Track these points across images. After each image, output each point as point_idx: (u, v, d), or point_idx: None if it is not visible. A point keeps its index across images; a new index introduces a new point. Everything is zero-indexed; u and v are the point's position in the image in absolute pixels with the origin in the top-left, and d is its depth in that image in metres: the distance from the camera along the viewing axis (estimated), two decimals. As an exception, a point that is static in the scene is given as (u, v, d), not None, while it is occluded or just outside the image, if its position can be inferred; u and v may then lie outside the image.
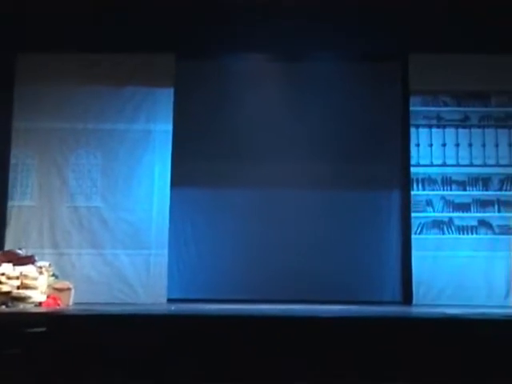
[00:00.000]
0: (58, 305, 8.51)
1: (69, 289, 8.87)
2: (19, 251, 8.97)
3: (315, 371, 5.89)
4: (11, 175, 10.01)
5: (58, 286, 8.85)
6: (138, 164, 10.16)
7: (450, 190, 10.19)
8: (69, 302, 8.79)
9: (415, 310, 9.42)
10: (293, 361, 5.94)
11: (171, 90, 10.21)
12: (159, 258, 9.93)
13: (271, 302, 9.07)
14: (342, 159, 10.43)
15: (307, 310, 8.11)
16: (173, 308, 8.81)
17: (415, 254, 10.04)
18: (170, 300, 9.79)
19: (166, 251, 9.97)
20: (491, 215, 10.06)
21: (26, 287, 8.40)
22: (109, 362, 5.94)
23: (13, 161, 10.05)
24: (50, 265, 8.96)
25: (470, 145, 10.22)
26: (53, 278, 8.93)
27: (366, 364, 5.94)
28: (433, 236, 10.09)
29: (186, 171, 10.28)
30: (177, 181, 10.17)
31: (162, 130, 10.18)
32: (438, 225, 10.13)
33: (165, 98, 10.21)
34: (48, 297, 8.56)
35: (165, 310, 8.77)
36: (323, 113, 10.48)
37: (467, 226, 10.08)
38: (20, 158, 10.09)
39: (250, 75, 10.57)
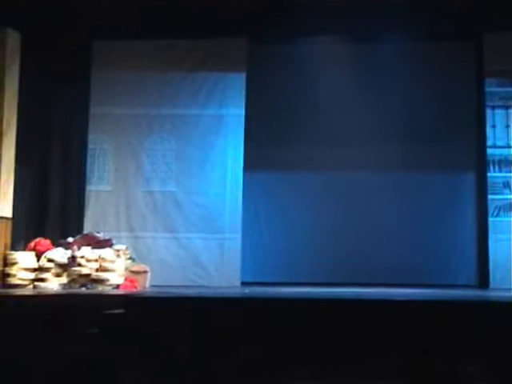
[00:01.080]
0: (135, 287, 8.70)
1: (145, 271, 9.05)
2: (97, 234, 9.19)
3: (389, 355, 5.87)
4: (89, 160, 10.25)
5: (135, 268, 9.04)
6: (211, 148, 10.25)
7: (528, 171, 9.93)
8: (145, 285, 8.97)
9: (492, 293, 9.26)
10: (367, 344, 5.93)
11: (243, 75, 10.24)
12: (233, 241, 10.02)
13: (344, 285, 9.08)
14: (416, 141, 10.30)
15: (382, 293, 8.08)
16: (247, 291, 8.90)
17: (492, 237, 9.85)
18: (243, 283, 9.89)
19: (239, 235, 10.05)
20: None
21: (104, 270, 8.63)
22: (184, 343, 6.04)
23: (90, 146, 10.27)
24: (126, 248, 9.16)
25: (547, 124, 9.95)
26: (130, 260, 9.13)
27: (442, 348, 5.88)
28: (510, 219, 9.87)
29: (258, 155, 10.31)
30: (249, 165, 10.22)
31: (235, 114, 10.24)
32: (516, 207, 9.90)
33: (237, 83, 10.25)
34: (125, 279, 8.76)
35: (239, 292, 8.87)
36: (396, 94, 10.35)
37: (544, 208, 9.82)
38: (97, 143, 10.31)
39: (321, 58, 10.49)
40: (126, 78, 10.22)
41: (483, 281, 10.00)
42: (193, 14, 9.82)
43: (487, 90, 10.09)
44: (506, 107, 10.05)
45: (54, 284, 8.52)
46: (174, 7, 9.76)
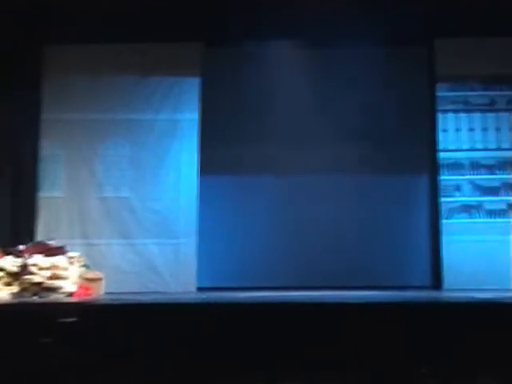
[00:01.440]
0: (89, 295, 8.60)
1: (99, 279, 8.95)
2: (50, 242, 9.05)
3: (344, 357, 5.89)
4: (41, 167, 10.12)
5: (89, 276, 8.94)
6: (166, 153, 10.22)
7: (479, 174, 10.12)
8: (99, 292, 8.87)
9: (445, 294, 9.39)
10: (323, 347, 5.94)
11: (197, 79, 10.26)
12: (188, 246, 10.00)
13: (299, 289, 9.09)
14: (371, 144, 10.39)
15: (337, 296, 8.11)
16: (203, 296, 8.86)
17: (445, 239, 10.01)
18: (199, 288, 9.85)
19: (194, 239, 10.03)
20: (521, 198, 9.99)
21: (57, 278, 8.51)
22: (139, 351, 5.99)
23: (42, 152, 10.14)
24: (80, 255, 9.05)
25: (498, 129, 10.14)
26: (83, 268, 9.02)
27: (397, 349, 5.92)
28: (462, 220, 10.05)
29: (214, 159, 10.30)
30: (205, 169, 10.21)
31: (189, 118, 10.23)
32: (467, 209, 10.08)
33: (191, 87, 10.26)
34: (79, 287, 8.65)
35: (195, 298, 8.82)
36: (352, 98, 10.41)
37: (496, 210, 10.01)
38: (49, 149, 10.18)
39: (276, 62, 10.52)
40: (79, 83, 10.12)
41: (437, 282, 10.15)
42: (147, 18, 9.77)
43: (439, 94, 10.27)
44: (457, 111, 10.22)
45: (4, 293, 8.35)
46: (128, 11, 9.70)
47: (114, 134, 10.23)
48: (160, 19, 9.77)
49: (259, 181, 10.57)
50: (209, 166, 10.24)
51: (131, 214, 10.06)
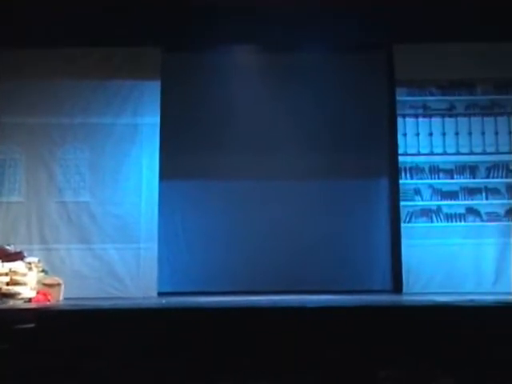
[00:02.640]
0: (48, 300, 8.50)
1: (59, 284, 8.85)
2: (8, 247, 8.92)
3: (305, 362, 5.90)
4: (-2, 171, 9.98)
5: (48, 281, 8.83)
6: (126, 158, 10.14)
7: (438, 178, 10.23)
8: (59, 298, 8.77)
9: (405, 298, 9.47)
10: (282, 352, 5.95)
11: (158, 83, 10.20)
12: (149, 251, 9.93)
13: (261, 294, 9.09)
14: (330, 149, 10.45)
15: (296, 301, 8.11)
16: (163, 301, 8.81)
17: (404, 243, 10.09)
18: (160, 293, 9.79)
19: (155, 244, 9.97)
20: (479, 203, 10.12)
21: (16, 283, 8.37)
22: (99, 358, 5.92)
23: (0, 156, 9.99)
24: (39, 260, 8.93)
25: (457, 133, 10.26)
26: (42, 273, 8.91)
27: (356, 354, 5.95)
28: (421, 224, 10.15)
29: (174, 164, 10.27)
30: (165, 174, 10.17)
31: (149, 123, 10.17)
32: (427, 213, 10.18)
33: (151, 91, 10.20)
34: (38, 293, 8.54)
35: (155, 303, 8.77)
36: (310, 103, 10.48)
37: (455, 214, 10.13)
38: (7, 153, 10.05)
39: (236, 67, 10.54)
40: (37, 87, 9.99)
41: (397, 286, 10.23)
42: (107, 23, 9.72)
43: (398, 98, 10.36)
44: (416, 116, 10.33)
45: (-39, 300, 8.21)
46: (88, 14, 9.64)
47: (73, 138, 10.12)
48: (119, 23, 9.72)
49: (221, 186, 10.55)
50: (170, 170, 10.20)
51: (91, 219, 9.96)
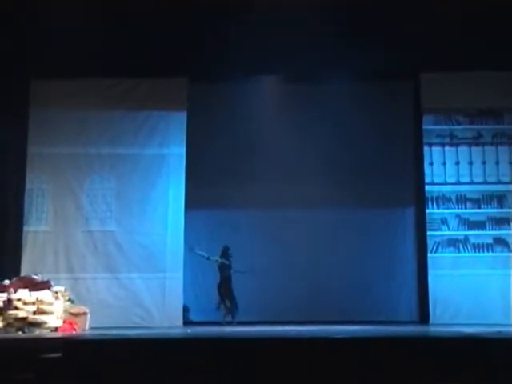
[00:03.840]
0: (74, 329, 8.55)
1: (85, 313, 8.90)
2: (35, 276, 9.00)
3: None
4: (27, 200, 10.08)
5: (74, 310, 8.88)
6: (152, 188, 10.20)
7: (465, 207, 10.15)
8: (85, 327, 8.82)
9: (432, 329, 9.36)
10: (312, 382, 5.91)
11: (184, 114, 10.28)
12: (174, 281, 9.94)
13: (287, 324, 9.06)
14: (356, 178, 10.44)
15: (324, 331, 8.07)
16: (189, 331, 8.80)
17: (431, 273, 10.01)
18: (185, 323, 9.78)
19: (181, 274, 9.98)
20: (507, 233, 10.01)
21: (42, 312, 8.44)
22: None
23: (28, 186, 10.11)
24: (65, 290, 9.01)
25: (484, 162, 10.20)
26: (69, 302, 8.98)
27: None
28: (449, 254, 10.06)
29: (199, 194, 10.31)
30: (191, 203, 10.19)
31: (176, 153, 10.24)
32: (454, 243, 10.10)
33: (178, 122, 10.28)
34: (64, 322, 8.59)
35: (181, 333, 8.75)
36: (335, 132, 10.52)
37: (483, 244, 10.03)
38: (35, 183, 10.16)
39: (261, 97, 10.62)
40: (65, 118, 10.14)
41: (423, 317, 10.12)
42: (133, 54, 9.85)
43: (424, 127, 10.34)
44: (443, 145, 10.28)
45: (-11, 328, 8.27)
46: (116, 46, 9.77)
47: (100, 168, 10.23)
48: (147, 55, 9.84)
49: (245, 216, 10.58)
50: (194, 200, 10.22)
51: (117, 248, 10.01)
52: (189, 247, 9.95)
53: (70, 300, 9.03)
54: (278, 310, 10.00)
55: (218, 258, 9.95)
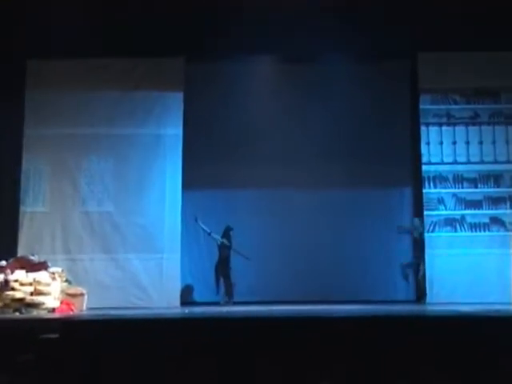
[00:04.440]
0: (72, 310, 8.56)
1: (82, 294, 8.90)
2: (32, 257, 8.99)
3: (334, 371, 5.87)
4: (23, 181, 10.06)
5: (71, 291, 8.89)
6: (149, 168, 10.18)
7: (462, 187, 10.16)
8: (82, 308, 8.82)
9: (429, 308, 9.40)
10: (309, 361, 5.92)
11: (181, 94, 10.24)
12: (172, 261, 9.95)
13: (285, 303, 9.09)
14: (353, 159, 10.44)
15: (322, 311, 8.09)
16: (187, 311, 8.82)
17: (428, 253, 10.02)
18: (183, 303, 9.81)
19: (178, 255, 9.99)
20: (503, 212, 10.03)
21: (40, 293, 8.43)
22: (123, 368, 5.93)
23: (25, 167, 10.10)
24: (62, 270, 9.00)
25: (481, 142, 10.20)
26: (66, 283, 8.98)
27: (382, 363, 5.91)
28: (445, 234, 10.07)
29: (197, 174, 10.30)
30: (188, 183, 10.18)
31: (173, 134, 10.22)
32: (451, 222, 10.12)
33: (175, 102, 10.25)
34: (61, 302, 8.59)
35: (179, 313, 8.78)
36: (333, 113, 10.48)
37: (479, 224, 10.05)
38: (32, 163, 10.13)
39: (257, 77, 10.60)
40: (62, 98, 10.11)
41: (420, 296, 10.16)
42: (130, 34, 9.79)
43: (421, 107, 10.32)
44: (440, 124, 10.27)
45: (-15, 310, 8.27)
46: (112, 27, 9.72)
47: (97, 149, 10.20)
48: (143, 35, 9.78)
49: (242, 196, 10.57)
50: (191, 180, 10.21)
51: (114, 229, 10.01)
52: (194, 218, 9.89)
53: (67, 281, 9.03)
54: (277, 289, 10.05)
55: (219, 237, 9.96)
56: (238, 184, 10.54)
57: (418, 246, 10.10)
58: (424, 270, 9.95)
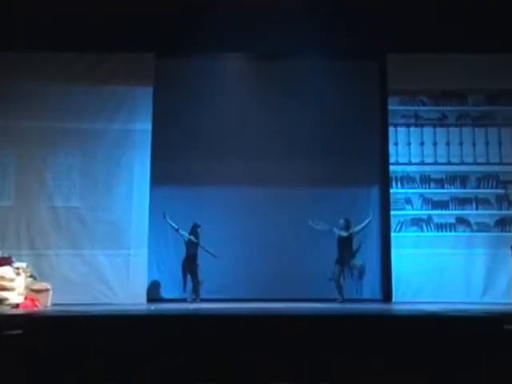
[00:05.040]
0: (36, 306, 8.47)
1: (47, 290, 8.83)
2: (-4, 252, 8.90)
3: (296, 369, 5.88)
4: (-13, 175, 9.93)
5: (36, 287, 8.81)
6: (117, 163, 10.11)
7: (429, 187, 10.25)
8: (47, 303, 8.74)
9: (395, 307, 9.46)
10: (273, 360, 5.92)
11: (150, 89, 10.18)
12: (139, 257, 9.90)
13: (252, 301, 9.10)
14: (321, 157, 10.47)
15: (288, 309, 8.11)
16: (152, 308, 8.78)
17: (395, 252, 10.09)
18: (150, 300, 9.76)
19: (145, 251, 9.94)
20: (469, 213, 10.14)
21: (3, 289, 8.34)
22: (86, 364, 5.88)
23: (-11, 160, 9.96)
24: (27, 266, 8.92)
25: (448, 143, 10.30)
26: (30, 279, 8.89)
27: (347, 361, 5.93)
28: (412, 234, 10.16)
29: (165, 169, 10.26)
30: (156, 179, 10.13)
31: (142, 129, 10.15)
32: (417, 222, 10.21)
33: (144, 97, 10.18)
34: (26, 298, 8.51)
35: (144, 310, 8.73)
36: (303, 111, 10.51)
37: (446, 224, 10.16)
38: (-3, 157, 9.99)
39: (228, 74, 10.59)
40: (28, 91, 9.96)
41: (386, 295, 10.23)
42: (99, 28, 9.70)
43: (390, 108, 10.39)
44: (408, 125, 10.35)
45: None
46: (81, 21, 9.62)
47: (64, 143, 10.08)
48: (114, 29, 9.70)
49: (210, 192, 10.54)
50: (159, 176, 10.17)
51: (81, 224, 9.93)
52: (162, 214, 9.83)
53: (31, 276, 8.95)
54: (245, 287, 10.07)
55: (186, 234, 9.92)
56: (207, 181, 10.50)
57: (346, 245, 9.96)
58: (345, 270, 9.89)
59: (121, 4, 9.50)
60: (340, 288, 9.77)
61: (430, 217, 10.20)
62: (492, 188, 10.19)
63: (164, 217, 9.88)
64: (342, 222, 9.91)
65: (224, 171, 10.49)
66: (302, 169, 10.44)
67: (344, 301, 9.60)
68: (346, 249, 9.85)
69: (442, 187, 10.24)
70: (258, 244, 10.39)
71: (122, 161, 10.14)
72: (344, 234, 9.85)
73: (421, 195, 10.25)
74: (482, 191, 10.19)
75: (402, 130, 10.35)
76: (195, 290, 9.85)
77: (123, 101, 10.23)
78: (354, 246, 9.96)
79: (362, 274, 9.83)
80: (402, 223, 10.17)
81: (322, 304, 8.85)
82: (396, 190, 10.26)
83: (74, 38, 9.77)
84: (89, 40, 9.83)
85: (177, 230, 9.98)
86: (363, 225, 9.95)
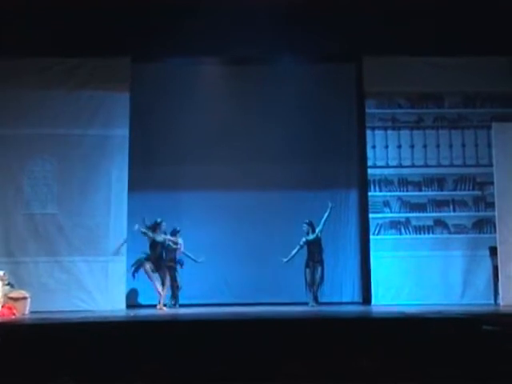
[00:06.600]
0: (14, 314, 8.40)
1: (24, 298, 8.76)
2: (-27, 260, 8.82)
3: (276, 372, 5.89)
4: (-37, 182, 9.83)
5: (13, 295, 8.74)
6: (95, 170, 10.05)
7: (407, 190, 10.30)
8: (25, 311, 8.67)
9: (374, 309, 9.50)
10: (253, 362, 5.93)
11: (127, 94, 10.13)
12: (117, 264, 9.83)
13: (230, 306, 9.09)
14: (299, 161, 10.49)
15: (267, 313, 8.11)
16: (132, 314, 8.74)
17: (373, 255, 10.13)
18: (129, 306, 9.71)
19: (124, 257, 9.87)
20: (447, 215, 10.20)
21: (-20, 297, 8.27)
22: (65, 372, 5.84)
23: (-36, 167, 9.86)
24: (4, 274, 8.85)
25: (425, 146, 10.36)
26: (8, 287, 8.82)
27: (326, 364, 5.95)
28: (390, 236, 10.20)
29: (143, 175, 10.23)
30: (134, 185, 10.09)
31: (119, 134, 10.09)
32: (396, 225, 10.25)
33: (121, 103, 10.12)
34: (3, 306, 8.45)
35: (124, 316, 8.69)
36: (281, 115, 10.52)
37: (424, 226, 10.21)
38: (-29, 164, 9.90)
39: (205, 78, 10.59)
40: (4, 97, 9.87)
41: (366, 297, 10.27)
42: (75, 33, 9.65)
43: (367, 111, 10.42)
44: (385, 128, 10.40)
45: None
46: (56, 26, 9.56)
47: (41, 150, 9.99)
48: (90, 34, 9.66)
49: (188, 198, 10.52)
50: (137, 182, 10.13)
51: (59, 231, 9.85)
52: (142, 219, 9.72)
53: (9, 284, 8.88)
54: (220, 292, 10.06)
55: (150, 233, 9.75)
56: (186, 186, 10.50)
57: (315, 247, 9.93)
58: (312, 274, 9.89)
59: (96, 9, 9.44)
60: (313, 292, 9.74)
61: (408, 219, 10.24)
62: (469, 190, 10.26)
63: (143, 221, 9.74)
64: (305, 226, 9.86)
65: (202, 175, 10.47)
66: (279, 172, 10.45)
67: (317, 305, 9.57)
68: (316, 251, 9.85)
69: (420, 190, 10.29)
70: (238, 249, 10.39)
71: (99, 167, 10.07)
72: (310, 237, 9.84)
73: (399, 198, 10.29)
74: (459, 193, 10.25)
75: (379, 132, 10.38)
76: (174, 296, 9.81)
77: (100, 106, 10.17)
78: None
79: (319, 285, 9.81)
80: (381, 226, 10.21)
81: (301, 307, 8.86)
82: (374, 193, 10.29)
83: (49, 44, 9.70)
84: (64, 45, 9.78)
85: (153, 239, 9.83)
86: (324, 218, 9.87)
